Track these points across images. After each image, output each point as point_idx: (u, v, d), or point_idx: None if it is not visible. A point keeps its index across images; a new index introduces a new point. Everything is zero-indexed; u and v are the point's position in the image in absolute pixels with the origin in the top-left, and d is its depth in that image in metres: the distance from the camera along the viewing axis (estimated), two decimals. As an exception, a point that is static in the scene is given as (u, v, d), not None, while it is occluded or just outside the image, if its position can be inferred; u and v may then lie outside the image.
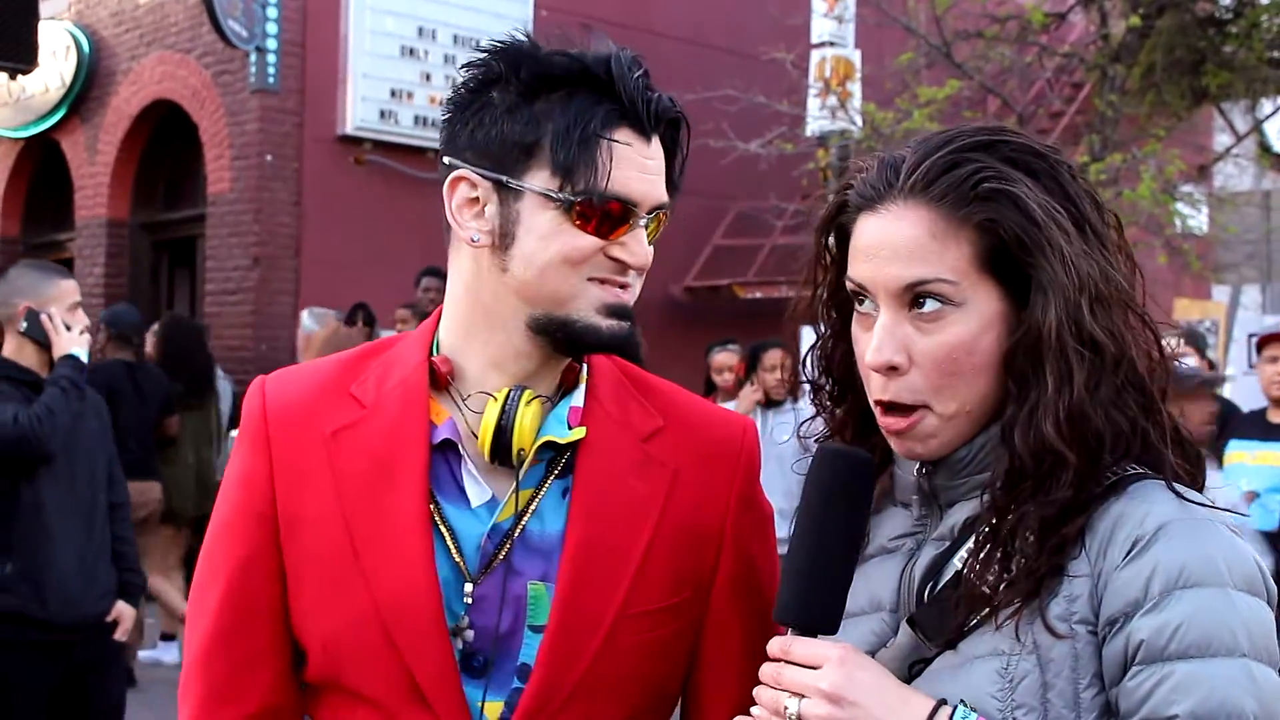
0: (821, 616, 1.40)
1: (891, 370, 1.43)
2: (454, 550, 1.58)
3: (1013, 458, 1.38)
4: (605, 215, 1.54)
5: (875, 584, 1.51)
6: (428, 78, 12.23)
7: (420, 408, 1.60)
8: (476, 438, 1.59)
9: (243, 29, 11.09)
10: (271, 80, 11.40)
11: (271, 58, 11.36)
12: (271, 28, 11.33)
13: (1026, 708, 1.33)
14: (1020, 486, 1.38)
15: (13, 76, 10.10)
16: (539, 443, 1.58)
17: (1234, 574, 1.31)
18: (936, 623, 1.41)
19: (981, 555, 1.39)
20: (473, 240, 1.58)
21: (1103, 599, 1.33)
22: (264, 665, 1.64)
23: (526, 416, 1.56)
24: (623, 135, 1.54)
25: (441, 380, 1.63)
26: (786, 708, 1.34)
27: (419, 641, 1.55)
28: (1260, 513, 5.59)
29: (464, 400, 1.62)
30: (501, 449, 1.56)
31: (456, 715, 1.55)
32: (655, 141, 1.58)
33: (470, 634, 1.56)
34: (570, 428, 1.62)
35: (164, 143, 13.20)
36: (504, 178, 1.56)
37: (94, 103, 13.47)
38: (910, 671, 1.41)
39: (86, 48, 13.40)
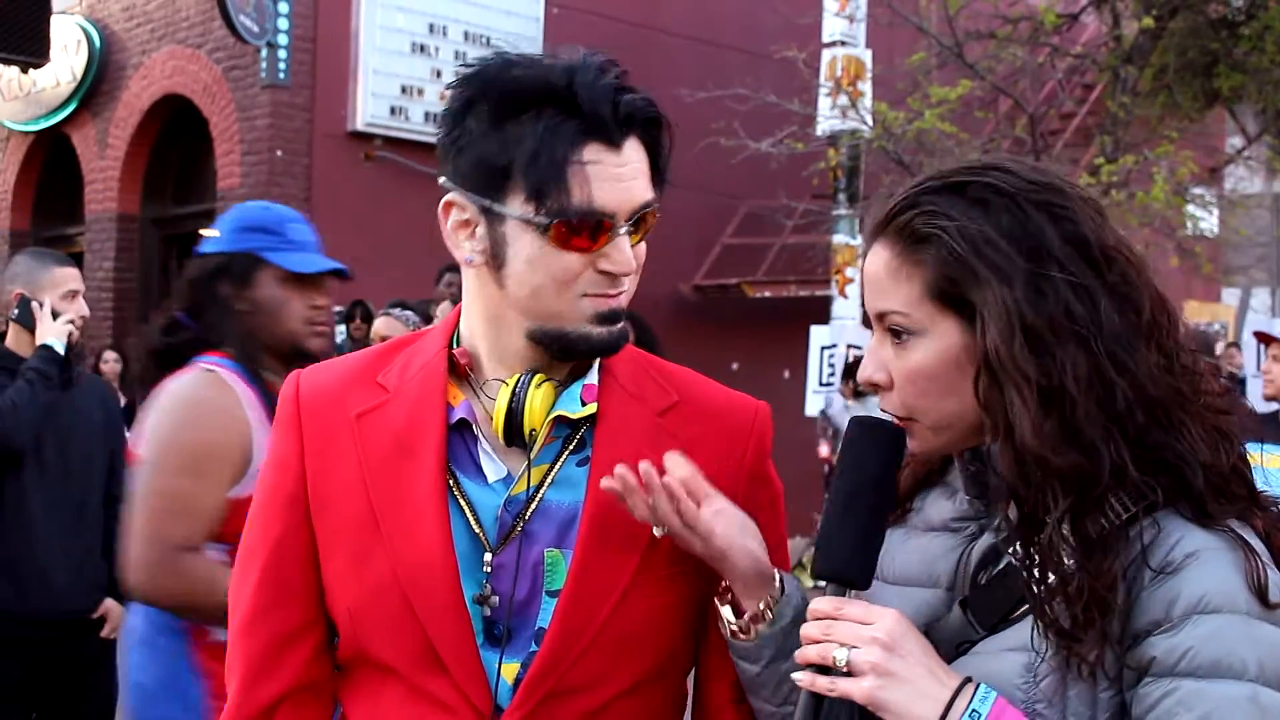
0: (862, 574, 1.51)
1: (875, 386, 1.57)
2: (473, 522, 1.65)
3: (1007, 482, 1.47)
4: (583, 232, 1.57)
5: (934, 559, 1.60)
6: (438, 74, 12.22)
7: (438, 390, 1.68)
8: (491, 421, 1.65)
9: (254, 24, 11.10)
10: (282, 76, 11.41)
11: (282, 53, 11.37)
12: (283, 23, 11.34)
13: (1046, 702, 1.42)
14: (1029, 508, 1.45)
15: (24, 70, 10.11)
16: (551, 418, 1.65)
17: (1254, 601, 1.37)
18: (985, 609, 1.50)
19: (1031, 565, 1.46)
20: (468, 261, 1.65)
21: (1129, 616, 1.40)
22: (300, 642, 1.72)
23: (536, 399, 1.63)
24: (590, 152, 1.55)
25: (461, 370, 1.71)
26: (835, 657, 1.42)
27: (436, 607, 1.61)
28: None
29: (480, 387, 1.70)
30: (514, 430, 1.63)
31: (473, 679, 1.62)
32: (628, 146, 1.59)
33: (495, 600, 1.63)
34: (584, 404, 1.68)
35: (174, 137, 13.22)
36: (487, 201, 1.60)
37: (105, 97, 13.50)
38: (956, 651, 1.50)
39: (98, 42, 13.43)
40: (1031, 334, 1.42)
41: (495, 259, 1.62)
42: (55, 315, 4.27)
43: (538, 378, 1.64)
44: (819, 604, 1.47)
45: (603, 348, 1.64)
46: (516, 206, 1.58)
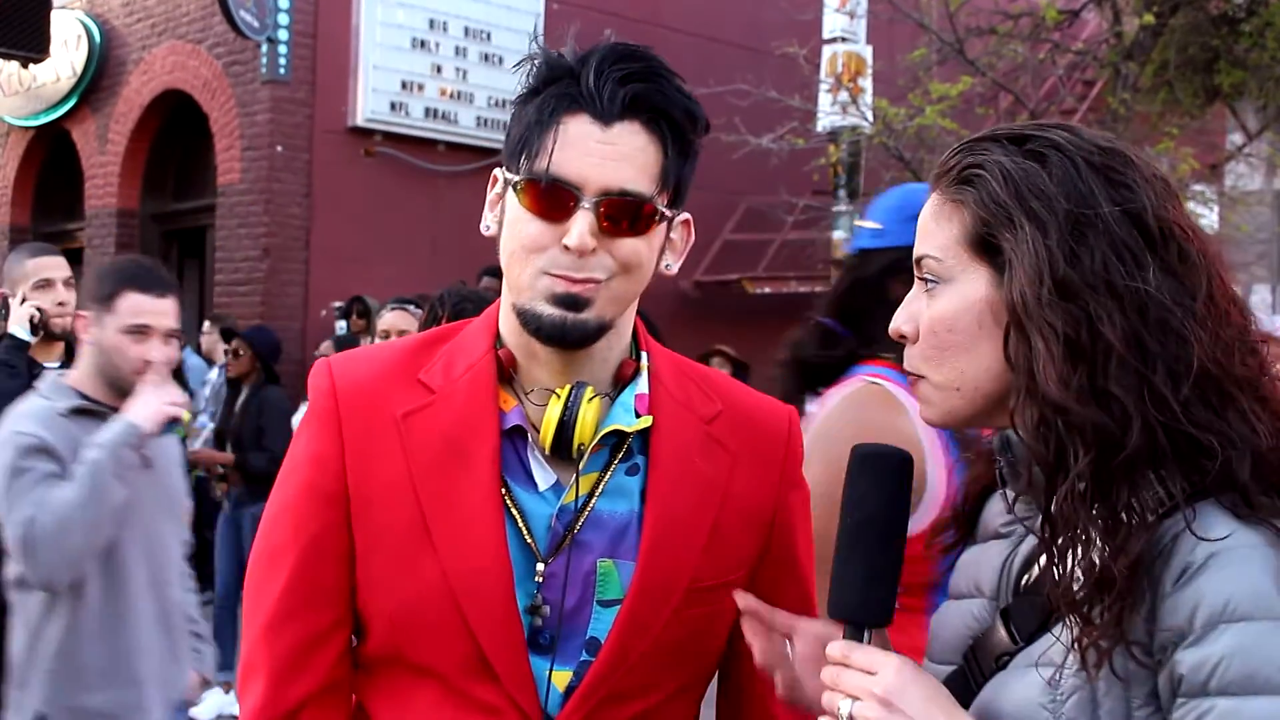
0: (875, 613, 1.47)
1: (903, 338, 1.54)
2: (525, 531, 1.63)
3: (1027, 446, 1.41)
4: (547, 198, 1.57)
5: (982, 568, 1.54)
6: (439, 70, 12.22)
7: (490, 395, 1.66)
8: (538, 429, 1.64)
9: (254, 19, 11.10)
10: (283, 71, 11.40)
11: (283, 48, 11.36)
12: (283, 18, 11.32)
13: None
14: (1049, 469, 1.37)
15: (24, 65, 10.11)
16: (605, 431, 1.64)
17: None
18: (1023, 618, 1.44)
19: (1046, 559, 1.39)
20: (486, 229, 1.68)
21: (1154, 622, 1.31)
22: (328, 642, 1.68)
23: (589, 413, 1.61)
24: (576, 121, 1.57)
25: (505, 372, 1.68)
26: (839, 708, 1.40)
27: (489, 615, 1.60)
28: None
29: (526, 394, 1.68)
30: (563, 443, 1.62)
31: (523, 687, 1.61)
32: (621, 128, 1.57)
33: (547, 609, 1.62)
34: (638, 415, 1.67)
35: (174, 133, 13.21)
36: (506, 173, 1.64)
37: (105, 92, 13.48)
38: (996, 664, 1.45)
39: (98, 37, 13.41)
40: (1062, 285, 1.37)
41: (500, 226, 1.65)
42: (22, 301, 4.28)
43: (589, 390, 1.62)
44: (832, 649, 1.45)
45: (551, 330, 1.59)
46: (514, 173, 1.61)
